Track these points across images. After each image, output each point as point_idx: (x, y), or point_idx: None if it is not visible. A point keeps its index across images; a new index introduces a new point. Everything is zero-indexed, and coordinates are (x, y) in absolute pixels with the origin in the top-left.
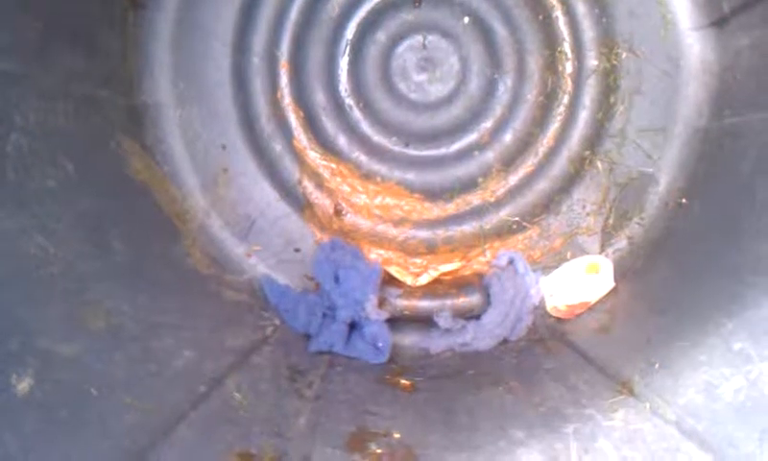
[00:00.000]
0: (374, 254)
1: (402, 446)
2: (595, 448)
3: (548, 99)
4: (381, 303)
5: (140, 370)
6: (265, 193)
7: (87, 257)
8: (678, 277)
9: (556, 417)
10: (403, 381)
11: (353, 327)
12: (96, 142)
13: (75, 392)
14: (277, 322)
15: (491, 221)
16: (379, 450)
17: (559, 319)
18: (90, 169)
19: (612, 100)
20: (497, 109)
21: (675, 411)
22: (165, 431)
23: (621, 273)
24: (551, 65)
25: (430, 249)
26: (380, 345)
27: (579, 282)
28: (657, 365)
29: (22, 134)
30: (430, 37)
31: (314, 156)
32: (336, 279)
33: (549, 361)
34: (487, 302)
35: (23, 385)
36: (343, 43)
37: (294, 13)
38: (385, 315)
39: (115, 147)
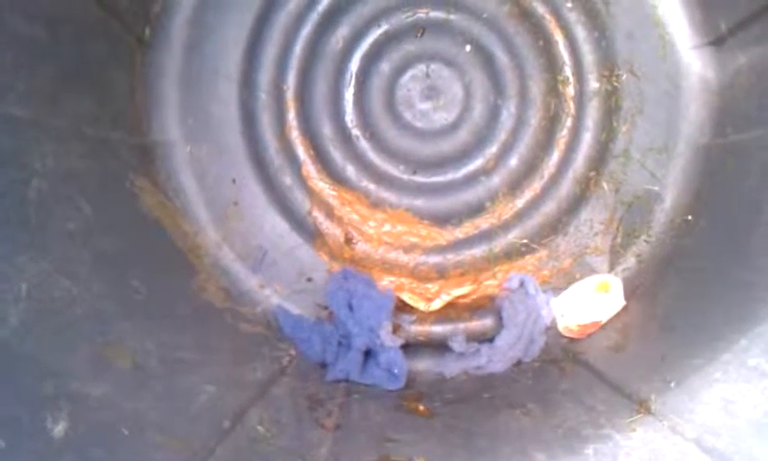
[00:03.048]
0: (386, 281)
1: None
2: None
3: (552, 122)
4: (395, 329)
5: (167, 407)
6: (276, 225)
7: (109, 297)
8: (688, 293)
9: (575, 438)
10: (421, 407)
11: (368, 354)
12: (110, 182)
13: (108, 432)
14: (293, 352)
15: (500, 244)
16: None
17: (571, 339)
18: (106, 209)
19: (614, 121)
20: (502, 135)
21: (694, 429)
22: None
23: (631, 291)
24: (553, 89)
25: (441, 274)
26: (396, 371)
27: (590, 302)
28: (672, 383)
29: (42, 179)
30: (433, 66)
31: (323, 186)
32: (350, 308)
33: (564, 382)
34: (500, 324)
35: (59, 428)
36: (348, 75)
37: (298, 49)
38: (400, 341)
39: (129, 186)
